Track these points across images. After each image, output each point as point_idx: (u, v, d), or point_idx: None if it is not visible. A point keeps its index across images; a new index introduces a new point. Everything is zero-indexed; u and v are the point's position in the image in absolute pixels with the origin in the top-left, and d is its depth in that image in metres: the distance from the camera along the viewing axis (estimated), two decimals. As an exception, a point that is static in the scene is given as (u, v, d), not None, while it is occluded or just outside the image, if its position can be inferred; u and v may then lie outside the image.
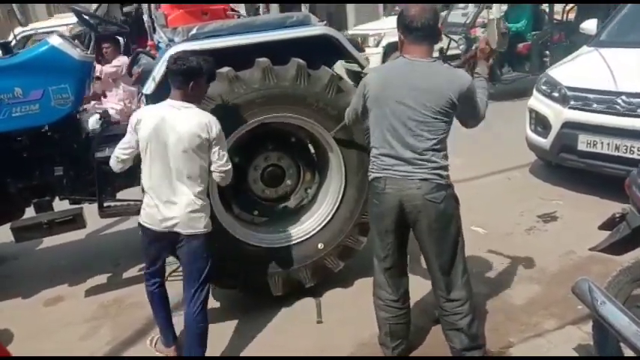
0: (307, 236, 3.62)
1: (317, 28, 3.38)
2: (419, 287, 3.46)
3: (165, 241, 2.83)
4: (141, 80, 3.20)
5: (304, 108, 3.34)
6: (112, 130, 3.97)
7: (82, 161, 3.81)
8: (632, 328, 2.14)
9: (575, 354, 2.87)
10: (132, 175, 3.67)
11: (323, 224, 3.63)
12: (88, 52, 3.68)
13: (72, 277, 4.31)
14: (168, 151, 2.64)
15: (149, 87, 3.13)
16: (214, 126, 2.67)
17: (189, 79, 2.62)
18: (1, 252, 4.76)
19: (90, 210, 4.04)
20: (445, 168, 2.53)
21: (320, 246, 3.59)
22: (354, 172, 3.54)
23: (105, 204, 3.79)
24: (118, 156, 2.87)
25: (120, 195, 4.06)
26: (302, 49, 3.34)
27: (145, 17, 3.49)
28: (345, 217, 3.62)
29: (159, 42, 3.86)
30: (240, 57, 3.18)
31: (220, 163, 2.75)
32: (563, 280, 3.60)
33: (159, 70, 3.08)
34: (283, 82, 3.25)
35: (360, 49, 3.58)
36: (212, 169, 2.75)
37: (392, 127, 2.53)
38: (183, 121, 2.62)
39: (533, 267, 3.84)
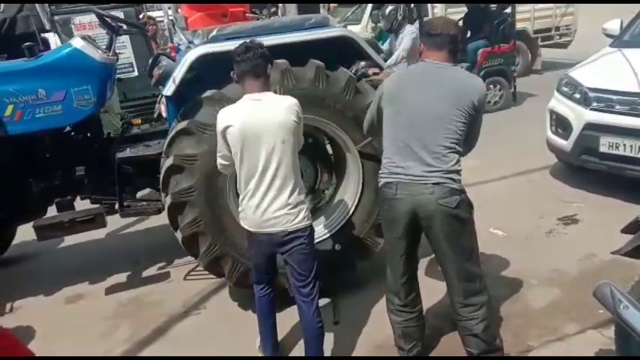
0: (327, 234, 3.62)
1: (335, 30, 3.39)
2: (436, 289, 3.46)
3: (271, 244, 2.68)
4: (161, 82, 3.24)
5: (322, 109, 3.34)
6: (133, 131, 4.02)
7: (103, 161, 3.86)
8: (655, 333, 2.10)
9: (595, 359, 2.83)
10: (152, 175, 3.75)
11: (341, 225, 3.63)
12: (110, 54, 3.72)
13: (92, 276, 4.38)
14: (265, 147, 2.49)
15: (169, 89, 3.17)
16: (297, 107, 2.58)
17: (267, 62, 2.54)
18: (24, 250, 4.85)
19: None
20: (459, 172, 2.50)
21: (337, 247, 3.59)
22: (372, 174, 3.52)
23: (125, 204, 3.84)
24: (220, 163, 2.73)
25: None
26: (320, 50, 3.35)
27: (165, 20, 3.52)
28: (362, 218, 3.62)
29: (179, 44, 3.91)
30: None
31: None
32: (584, 284, 3.55)
33: (179, 72, 3.11)
34: (302, 84, 3.26)
35: (379, 51, 3.55)
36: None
37: (407, 126, 2.52)
38: (274, 110, 2.51)
39: (554, 270, 3.80)
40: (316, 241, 3.55)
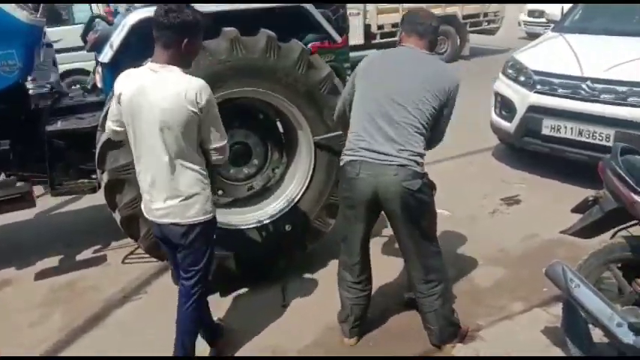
0: (273, 218, 3.49)
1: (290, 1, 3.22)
2: (387, 269, 3.43)
3: (169, 236, 2.41)
4: (96, 47, 2.95)
5: (273, 83, 3.18)
6: (66, 102, 3.69)
7: (31, 135, 3.52)
8: (607, 311, 2.14)
9: (542, 336, 2.89)
10: (86, 150, 3.47)
11: (291, 205, 3.50)
12: (38, 15, 3.37)
13: (20, 260, 4.03)
14: (146, 127, 2.20)
15: (106, 55, 2.90)
16: (203, 93, 2.15)
17: (183, 35, 2.15)
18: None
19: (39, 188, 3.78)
20: (422, 156, 2.47)
21: (287, 227, 3.47)
22: (324, 152, 3.43)
23: (57, 181, 3.53)
24: (110, 128, 2.42)
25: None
26: (273, 22, 3.18)
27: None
28: (314, 198, 3.51)
29: (116, 8, 3.59)
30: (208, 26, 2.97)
31: (216, 139, 2.28)
32: (528, 263, 3.64)
33: (117, 37, 2.85)
34: (252, 54, 3.08)
35: (333, 25, 3.42)
36: (207, 147, 2.29)
37: (377, 101, 2.46)
38: (162, 89, 2.14)
39: (498, 250, 3.86)
40: (266, 221, 3.45)
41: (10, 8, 3.18)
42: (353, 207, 2.55)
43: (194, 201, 2.31)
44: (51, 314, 3.43)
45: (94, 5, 7.34)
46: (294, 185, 3.55)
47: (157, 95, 2.14)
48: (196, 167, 2.30)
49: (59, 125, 3.45)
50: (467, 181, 5.11)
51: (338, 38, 3.43)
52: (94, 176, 3.47)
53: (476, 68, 10.37)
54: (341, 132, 3.05)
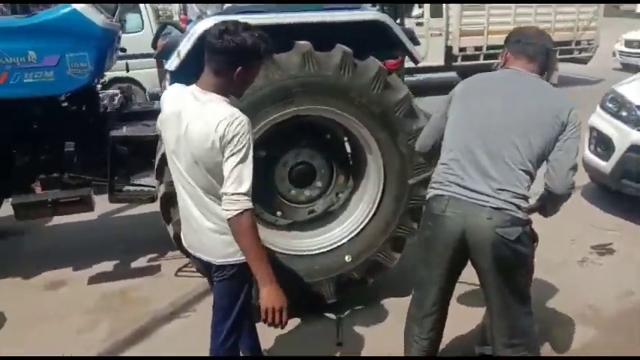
0: (333, 246, 3.22)
1: (368, 13, 2.97)
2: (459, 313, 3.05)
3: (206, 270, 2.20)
4: (164, 54, 2.85)
5: (346, 102, 2.93)
6: (133, 108, 3.63)
7: (96, 139, 3.49)
8: None
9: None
10: (148, 158, 3.38)
11: (353, 234, 3.23)
12: (114, 20, 3.34)
13: (77, 261, 4.02)
14: (182, 156, 1.97)
15: (172, 63, 2.77)
16: (234, 126, 1.83)
17: (237, 62, 1.85)
18: (5, 226, 4.47)
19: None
20: (526, 199, 2.08)
21: (347, 258, 3.19)
22: (395, 180, 3.13)
23: (116, 187, 3.46)
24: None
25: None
26: (348, 35, 2.94)
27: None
28: (379, 228, 3.22)
29: (190, 18, 3.50)
30: (279, 39, 2.78)
31: (228, 182, 1.85)
32: (623, 327, 3.15)
33: (185, 45, 2.72)
34: (325, 71, 2.85)
35: (416, 41, 3.13)
36: (222, 191, 1.90)
37: (476, 130, 2.13)
38: (199, 121, 1.87)
39: (588, 306, 3.37)
40: (327, 248, 3.20)
41: (87, 11, 3.15)
42: (435, 249, 2.19)
43: (229, 239, 1.97)
44: (99, 322, 3.34)
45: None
46: (358, 212, 3.27)
47: (194, 127, 1.88)
48: None
49: (124, 131, 3.39)
50: (551, 222, 4.57)
51: (419, 58, 3.13)
52: (153, 186, 3.36)
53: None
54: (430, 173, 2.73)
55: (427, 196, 2.25)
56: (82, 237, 4.51)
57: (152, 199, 3.40)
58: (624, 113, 4.42)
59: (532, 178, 2.11)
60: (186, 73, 2.82)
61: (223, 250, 2.03)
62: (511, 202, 2.03)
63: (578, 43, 11.06)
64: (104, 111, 3.62)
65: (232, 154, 1.85)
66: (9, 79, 3.05)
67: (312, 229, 3.35)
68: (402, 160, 3.09)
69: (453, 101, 2.28)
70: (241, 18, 2.66)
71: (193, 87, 1.96)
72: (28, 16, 3.15)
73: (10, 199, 3.42)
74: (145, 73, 7.13)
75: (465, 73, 11.28)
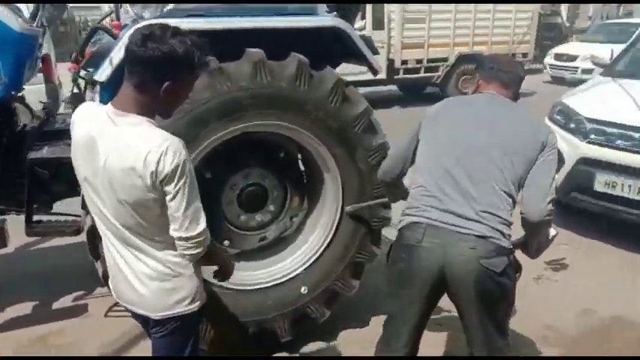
0: (288, 277, 2.92)
1: (326, 19, 2.73)
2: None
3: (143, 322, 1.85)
4: (93, 63, 2.46)
5: (301, 116, 2.66)
6: (54, 125, 3.18)
7: (11, 161, 3.00)
8: None
9: None
10: (73, 180, 2.93)
11: (309, 263, 2.94)
12: (34, 25, 2.90)
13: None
14: (100, 195, 1.61)
15: (103, 72, 2.39)
16: (169, 157, 1.50)
17: (165, 74, 1.51)
18: None
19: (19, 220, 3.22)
20: (509, 225, 1.90)
21: (303, 290, 2.89)
22: (353, 200, 2.88)
23: (35, 218, 2.98)
24: None
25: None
26: (301, 42, 2.68)
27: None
28: (338, 254, 2.95)
29: (124, 22, 3.11)
30: (228, 46, 2.47)
31: (182, 223, 1.58)
32: (586, 347, 3.05)
33: (118, 52, 2.35)
34: (279, 82, 2.57)
35: (375, 51, 2.93)
36: (171, 233, 1.61)
37: (457, 156, 1.94)
38: (118, 153, 1.52)
39: (548, 327, 3.27)
40: (280, 279, 2.89)
41: (1, 14, 2.70)
42: (409, 284, 1.95)
43: (173, 287, 1.68)
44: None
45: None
46: (314, 238, 3.00)
47: (113, 161, 1.53)
48: (167, 251, 1.66)
49: (44, 152, 2.94)
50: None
51: (379, 69, 2.92)
52: (79, 215, 2.92)
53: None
54: (384, 200, 2.53)
55: (400, 223, 2.01)
56: None
57: (77, 231, 2.94)
58: (572, 125, 4.44)
59: (514, 202, 1.94)
60: (117, 85, 2.46)
61: (163, 301, 1.68)
62: (496, 229, 1.85)
63: (513, 56, 11.50)
64: (21, 129, 3.13)
65: (177, 193, 1.54)
66: None
67: (263, 258, 3.03)
68: (360, 179, 2.86)
69: (425, 124, 2.11)
70: (185, 22, 2.37)
71: (109, 107, 1.59)
72: None
73: None
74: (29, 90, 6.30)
75: (405, 86, 11.46)
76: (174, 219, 1.58)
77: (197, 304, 1.74)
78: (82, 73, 3.23)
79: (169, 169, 1.51)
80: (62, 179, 3.00)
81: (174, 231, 1.60)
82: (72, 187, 3.04)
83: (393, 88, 11.75)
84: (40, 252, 4.26)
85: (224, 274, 1.97)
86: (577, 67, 12.33)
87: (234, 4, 2.72)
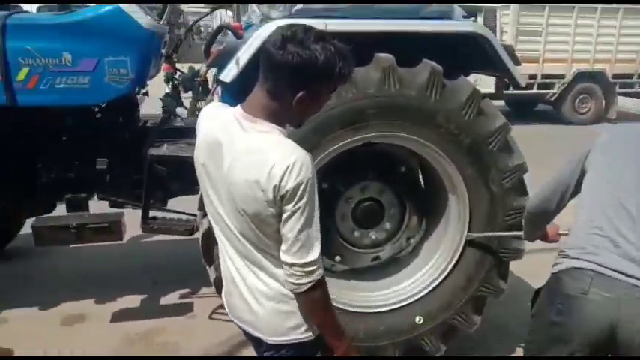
0: (401, 303, 2.67)
1: (465, 24, 2.46)
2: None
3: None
4: (218, 62, 2.40)
5: (430, 129, 2.41)
6: (175, 124, 3.19)
7: (132, 156, 3.04)
8: None
9: None
10: (190, 182, 2.92)
11: (426, 291, 2.67)
12: (161, 22, 2.92)
13: (101, 292, 3.57)
14: (222, 200, 1.48)
15: (229, 73, 2.30)
16: (294, 173, 1.33)
17: (300, 83, 1.36)
18: (24, 245, 4.00)
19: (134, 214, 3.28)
20: None
21: (418, 320, 2.63)
22: (482, 226, 2.57)
23: (151, 214, 3.00)
24: None
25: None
26: (432, 49, 2.43)
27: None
28: (459, 285, 2.65)
29: (247, 22, 3.05)
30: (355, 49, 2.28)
31: (291, 248, 1.40)
32: None
33: (246, 51, 2.25)
34: (407, 90, 2.34)
35: (517, 62, 2.60)
36: (281, 256, 1.43)
37: (633, 190, 1.61)
38: (244, 160, 1.39)
39: None
40: (393, 305, 2.65)
41: (132, 10, 2.74)
42: (563, 341, 1.62)
43: (288, 309, 1.50)
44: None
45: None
46: (434, 263, 2.72)
47: (238, 168, 1.39)
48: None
49: (164, 149, 2.94)
50: None
51: (522, 80, 2.59)
52: (194, 214, 2.90)
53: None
54: (521, 233, 2.19)
55: (558, 266, 1.68)
56: (107, 263, 4.07)
57: (191, 232, 2.92)
58: None
59: None
60: (241, 86, 2.36)
61: (277, 325, 1.51)
62: None
63: (640, 75, 10.43)
64: (143, 125, 3.19)
65: (294, 212, 1.37)
66: (39, 84, 2.65)
67: (375, 279, 2.81)
68: (492, 203, 2.54)
69: (596, 153, 1.75)
70: (315, 23, 2.21)
71: (238, 110, 1.45)
72: (65, 13, 2.77)
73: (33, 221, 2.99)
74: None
75: (515, 102, 10.71)
76: (285, 239, 1.41)
77: (313, 333, 1.55)
78: (209, 72, 3.21)
79: (291, 186, 1.34)
80: (179, 177, 3.00)
81: (281, 252, 1.42)
82: (188, 186, 3.07)
83: (501, 103, 11.05)
84: (152, 246, 4.36)
85: (334, 351, 1.55)
86: None
87: (362, 4, 2.53)
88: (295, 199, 1.35)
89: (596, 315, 1.52)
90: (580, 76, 10.12)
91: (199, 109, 3.41)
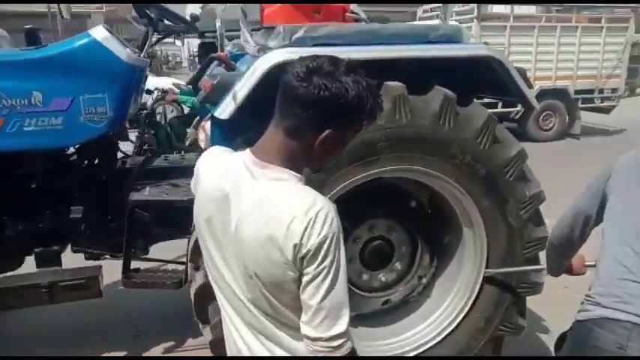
0: (417, 350, 2.45)
1: (479, 48, 2.32)
2: None
3: None
4: (213, 97, 2.17)
5: (444, 161, 2.24)
6: (157, 162, 2.93)
7: (110, 201, 2.76)
8: None
9: None
10: (173, 224, 2.66)
11: (443, 335, 2.46)
12: (142, 55, 2.68)
13: (75, 343, 3.21)
14: (228, 262, 1.26)
15: (226, 109, 2.08)
16: (314, 225, 1.13)
17: (326, 121, 1.17)
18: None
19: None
20: None
21: (436, 367, 2.42)
22: (500, 261, 2.40)
23: (133, 265, 2.71)
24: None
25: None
26: (443, 74, 2.28)
27: (219, 12, 2.47)
28: (477, 327, 2.46)
29: (234, 51, 2.83)
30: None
31: (309, 315, 1.17)
32: None
33: (245, 86, 2.04)
34: (420, 120, 2.18)
35: (530, 85, 2.48)
36: (302, 329, 1.20)
37: None
38: (256, 215, 1.17)
39: None
40: (406, 352, 2.43)
41: (109, 42, 2.50)
42: None
43: None
44: None
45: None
46: (449, 304, 2.52)
47: (248, 224, 1.18)
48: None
49: (147, 193, 2.67)
50: None
51: (536, 104, 2.47)
52: (183, 261, 2.62)
53: (588, 150, 9.10)
54: (544, 266, 2.05)
55: (584, 314, 1.51)
56: (81, 312, 3.61)
57: (179, 284, 2.63)
58: None
59: None
60: (237, 125, 2.14)
61: None
62: None
63: (601, 91, 10.69)
64: (122, 167, 2.90)
65: (317, 275, 1.14)
66: (5, 127, 2.36)
67: (384, 324, 2.59)
68: (510, 236, 2.39)
69: (616, 178, 1.62)
70: (319, 52, 2.03)
71: (247, 155, 1.24)
72: (36, 48, 2.50)
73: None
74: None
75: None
76: (307, 307, 1.17)
77: None
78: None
79: (314, 243, 1.12)
80: (162, 223, 2.73)
81: (302, 323, 1.18)
82: (171, 232, 2.80)
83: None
84: (133, 294, 3.94)
85: None
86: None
87: (363, 30, 2.37)
88: (319, 259, 1.13)
89: None
90: (543, 94, 10.31)
91: (146, 144, 3.19)
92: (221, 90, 2.12)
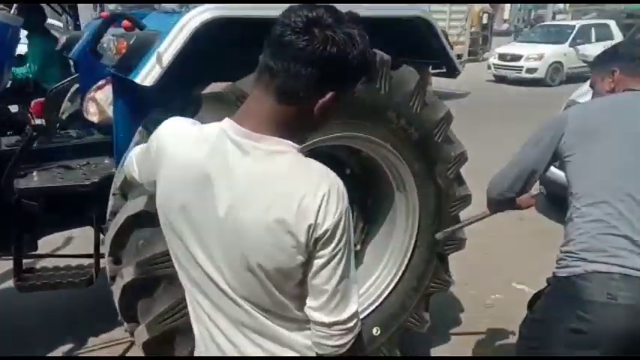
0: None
1: (410, 7, 2.26)
2: None
3: None
4: (127, 60, 1.81)
5: (379, 126, 2.19)
6: (44, 144, 2.45)
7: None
8: None
9: None
10: (71, 212, 2.29)
11: (381, 299, 2.47)
12: (12, 12, 2.18)
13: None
14: (212, 254, 1.07)
15: (149, 74, 1.76)
16: (329, 201, 0.99)
17: (330, 81, 1.00)
18: None
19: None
20: None
21: (375, 331, 2.42)
22: (429, 222, 2.45)
23: (25, 265, 2.27)
24: (132, 163, 1.32)
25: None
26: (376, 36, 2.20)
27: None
28: (411, 286, 2.51)
29: (125, 11, 2.44)
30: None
31: (322, 301, 1.04)
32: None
33: (171, 46, 1.74)
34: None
35: (451, 47, 2.50)
36: (307, 311, 1.08)
37: (632, 170, 1.55)
38: (253, 191, 1.01)
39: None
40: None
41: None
42: (590, 346, 1.53)
43: None
44: None
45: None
46: (383, 269, 2.53)
47: (243, 207, 1.01)
48: (300, 333, 1.12)
49: (36, 179, 2.22)
50: (527, 245, 4.27)
51: (460, 68, 2.51)
52: (90, 254, 2.27)
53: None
54: (481, 216, 2.13)
55: (565, 270, 1.58)
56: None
57: (89, 281, 2.26)
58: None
59: None
60: (164, 92, 1.85)
61: None
62: None
63: (446, 57, 11.78)
64: (1, 150, 2.38)
65: (333, 257, 1.02)
66: None
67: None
68: (438, 197, 2.44)
69: (572, 136, 1.68)
70: (247, 8, 1.83)
71: (228, 125, 1.04)
72: None
73: None
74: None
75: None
76: (318, 293, 1.04)
77: None
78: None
79: (331, 223, 0.99)
80: (59, 214, 2.32)
81: (313, 310, 1.06)
82: (61, 222, 2.41)
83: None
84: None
85: None
86: (521, 67, 12.72)
87: None
88: (336, 240, 1.01)
89: (628, 319, 1.48)
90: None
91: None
92: (138, 51, 1.80)
